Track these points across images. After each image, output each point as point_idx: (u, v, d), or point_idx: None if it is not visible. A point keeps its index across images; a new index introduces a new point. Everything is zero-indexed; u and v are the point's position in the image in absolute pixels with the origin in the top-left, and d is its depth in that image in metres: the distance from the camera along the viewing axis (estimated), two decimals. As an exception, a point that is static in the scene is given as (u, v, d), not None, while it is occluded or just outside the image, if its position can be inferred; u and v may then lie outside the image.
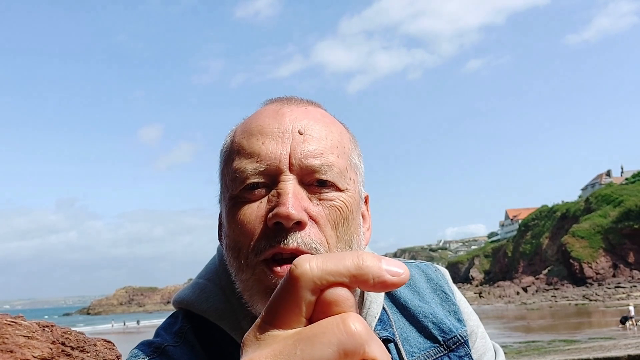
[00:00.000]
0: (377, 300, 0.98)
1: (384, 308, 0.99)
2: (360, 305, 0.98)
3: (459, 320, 1.02)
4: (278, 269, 0.80)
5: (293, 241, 0.80)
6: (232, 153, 0.89)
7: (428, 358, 0.96)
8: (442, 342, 0.98)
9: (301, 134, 0.85)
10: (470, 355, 0.98)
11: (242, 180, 0.84)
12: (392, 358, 0.94)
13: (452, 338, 0.98)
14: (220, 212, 0.94)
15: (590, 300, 50.36)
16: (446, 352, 0.97)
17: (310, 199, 0.83)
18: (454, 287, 1.09)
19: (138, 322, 64.12)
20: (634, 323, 26.32)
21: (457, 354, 0.97)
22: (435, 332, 0.98)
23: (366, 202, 0.98)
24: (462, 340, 0.99)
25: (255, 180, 0.84)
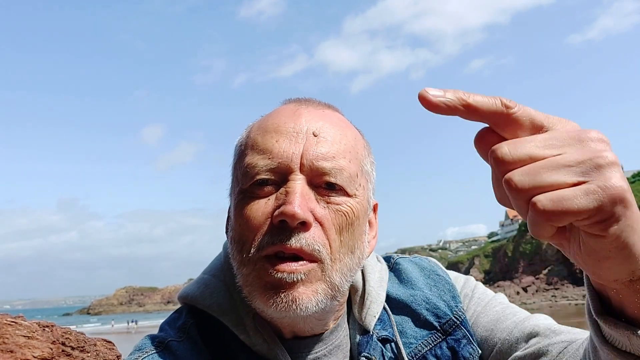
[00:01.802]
0: (377, 300, 0.99)
1: (384, 308, 0.99)
2: (361, 305, 0.98)
3: (454, 297, 1.02)
4: (280, 265, 0.80)
5: (296, 241, 0.80)
6: (246, 148, 0.90)
7: (426, 346, 0.97)
8: (438, 327, 0.98)
9: (315, 136, 0.86)
10: (468, 336, 0.98)
11: (253, 175, 0.85)
12: (390, 358, 0.94)
13: (447, 321, 0.99)
14: (229, 205, 0.95)
15: (591, 300, 50.21)
16: (443, 337, 0.98)
17: (317, 201, 0.84)
18: (449, 271, 1.10)
19: (136, 322, 63.96)
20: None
21: (454, 337, 0.98)
22: (431, 318, 0.99)
23: (374, 210, 0.98)
24: (458, 322, 0.99)
25: (265, 177, 0.84)
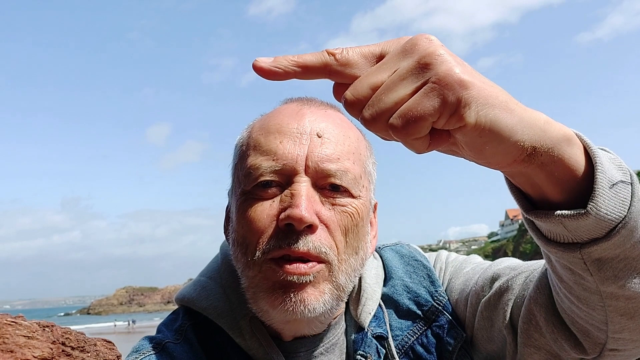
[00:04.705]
0: (373, 297, 0.99)
1: (380, 305, 0.99)
2: (357, 302, 0.98)
3: (433, 281, 1.01)
4: (288, 266, 0.81)
5: (304, 245, 0.80)
6: (248, 148, 0.89)
7: (412, 336, 0.96)
8: (421, 315, 0.98)
9: (319, 137, 0.85)
10: (452, 320, 0.97)
11: (256, 177, 0.85)
12: (384, 354, 0.94)
13: (430, 309, 0.98)
14: (229, 205, 0.95)
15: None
16: (427, 326, 0.97)
17: (322, 203, 0.84)
18: (427, 254, 1.10)
19: (134, 322, 63.93)
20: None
21: (437, 323, 0.97)
22: (413, 307, 0.99)
23: (374, 209, 0.98)
24: (440, 307, 0.98)
25: (269, 179, 0.84)
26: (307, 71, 0.57)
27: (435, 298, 0.99)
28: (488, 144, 0.55)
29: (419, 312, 0.98)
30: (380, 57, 0.57)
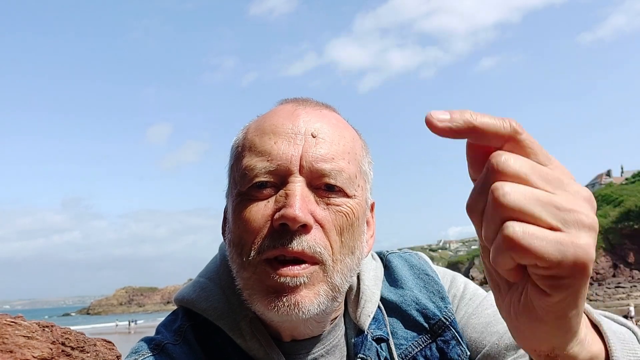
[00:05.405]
0: (372, 299, 0.99)
1: (379, 307, 0.99)
2: (356, 304, 0.98)
3: (443, 298, 1.01)
4: (283, 269, 0.80)
5: (298, 244, 0.80)
6: (244, 150, 0.89)
7: (416, 347, 0.96)
8: (428, 328, 0.98)
9: (314, 137, 0.85)
10: (457, 337, 0.97)
11: (251, 178, 0.85)
12: (384, 357, 0.94)
13: (437, 323, 0.98)
14: (226, 206, 0.95)
15: (590, 300, 50.44)
16: (433, 338, 0.97)
17: (317, 203, 0.84)
18: (437, 268, 1.10)
19: (135, 322, 63.92)
20: (634, 323, 26.32)
21: (443, 338, 0.97)
22: (420, 320, 0.99)
23: (372, 209, 0.98)
24: (447, 323, 0.98)
25: (264, 179, 0.84)
26: (479, 135, 0.52)
27: (444, 314, 0.99)
28: (542, 325, 0.53)
29: (425, 324, 0.98)
30: (536, 158, 0.52)
